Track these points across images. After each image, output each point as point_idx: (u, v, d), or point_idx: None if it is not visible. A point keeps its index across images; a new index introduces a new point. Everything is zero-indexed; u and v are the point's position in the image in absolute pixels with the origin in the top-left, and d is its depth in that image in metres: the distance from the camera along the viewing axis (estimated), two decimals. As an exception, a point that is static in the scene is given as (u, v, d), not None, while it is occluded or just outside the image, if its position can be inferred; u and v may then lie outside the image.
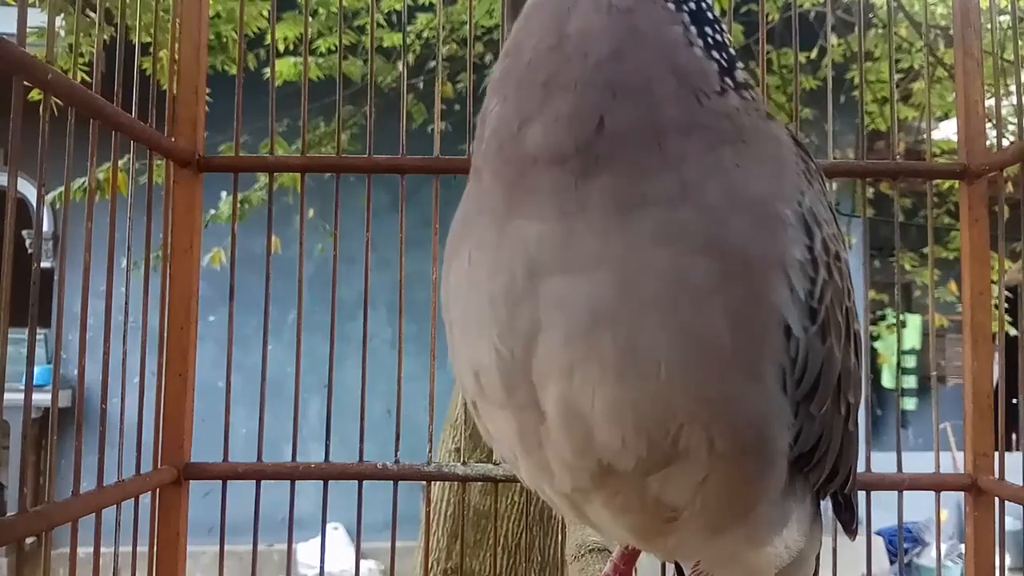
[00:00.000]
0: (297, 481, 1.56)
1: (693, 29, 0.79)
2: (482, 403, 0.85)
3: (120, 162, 1.40)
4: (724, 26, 0.85)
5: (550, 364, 0.76)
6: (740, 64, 0.83)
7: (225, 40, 4.64)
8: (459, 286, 0.84)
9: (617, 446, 0.76)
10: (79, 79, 1.37)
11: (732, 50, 0.83)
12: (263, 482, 1.57)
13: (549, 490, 0.86)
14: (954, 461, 5.15)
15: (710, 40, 0.80)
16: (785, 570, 0.94)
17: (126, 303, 1.38)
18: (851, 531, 1.05)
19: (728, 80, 0.79)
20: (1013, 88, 1.50)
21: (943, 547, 5.54)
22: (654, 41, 0.77)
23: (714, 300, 0.72)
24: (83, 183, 2.49)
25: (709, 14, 0.82)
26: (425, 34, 5.05)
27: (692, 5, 0.81)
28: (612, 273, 0.73)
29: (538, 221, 0.76)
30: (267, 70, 1.87)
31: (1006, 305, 1.89)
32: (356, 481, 1.56)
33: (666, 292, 0.73)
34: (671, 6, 0.79)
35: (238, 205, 1.69)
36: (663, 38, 0.77)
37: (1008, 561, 1.60)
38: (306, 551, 5.74)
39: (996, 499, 1.51)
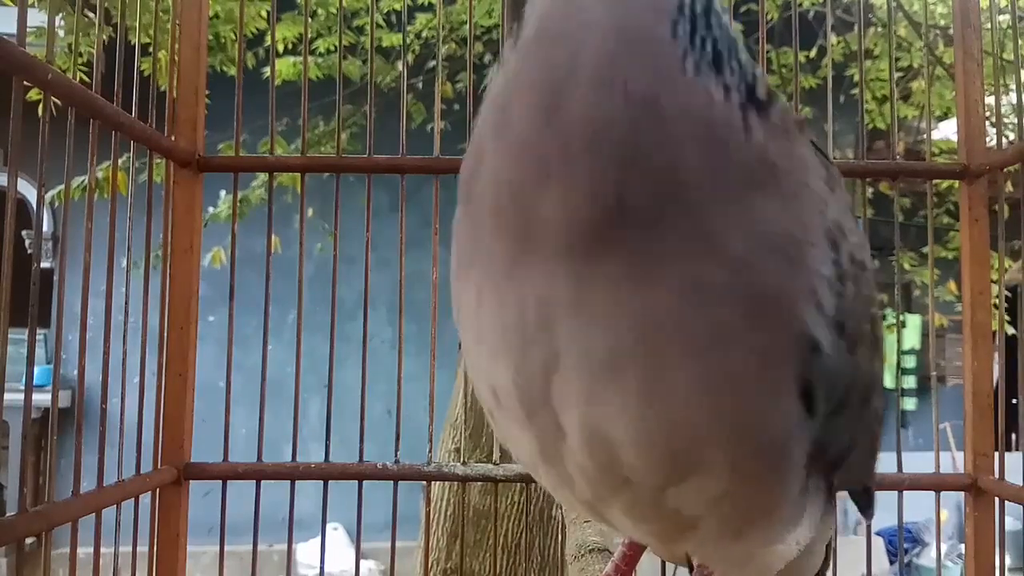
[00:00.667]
0: (297, 481, 1.56)
1: (711, 66, 0.72)
2: (500, 415, 0.85)
3: (120, 161, 1.40)
4: (738, 38, 0.78)
5: (570, 392, 0.76)
6: (758, 73, 0.77)
7: (224, 40, 4.64)
8: (469, 314, 0.83)
9: (642, 466, 0.77)
10: (79, 79, 1.37)
11: (749, 63, 0.77)
12: (263, 482, 1.57)
13: (570, 497, 0.87)
14: (954, 461, 5.15)
15: (732, 68, 0.73)
16: (795, 561, 0.94)
17: (126, 303, 1.38)
18: (868, 514, 1.05)
19: (752, 111, 0.74)
20: (1013, 87, 1.50)
21: (943, 547, 5.54)
22: (668, 99, 0.70)
23: (742, 335, 0.72)
24: (83, 182, 2.49)
25: (724, 32, 0.75)
26: (425, 34, 5.05)
27: (707, 28, 0.74)
28: (633, 318, 0.72)
29: (549, 282, 0.74)
30: (266, 70, 1.88)
31: (1006, 305, 1.89)
32: (356, 481, 1.56)
33: (691, 331, 0.72)
34: (685, 44, 0.71)
35: (238, 205, 1.69)
36: (681, 93, 0.70)
37: (1008, 561, 1.60)
38: (306, 551, 5.74)
39: (996, 499, 1.51)
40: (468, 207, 0.80)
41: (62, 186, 1.23)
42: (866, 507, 1.04)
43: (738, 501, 0.79)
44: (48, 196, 3.96)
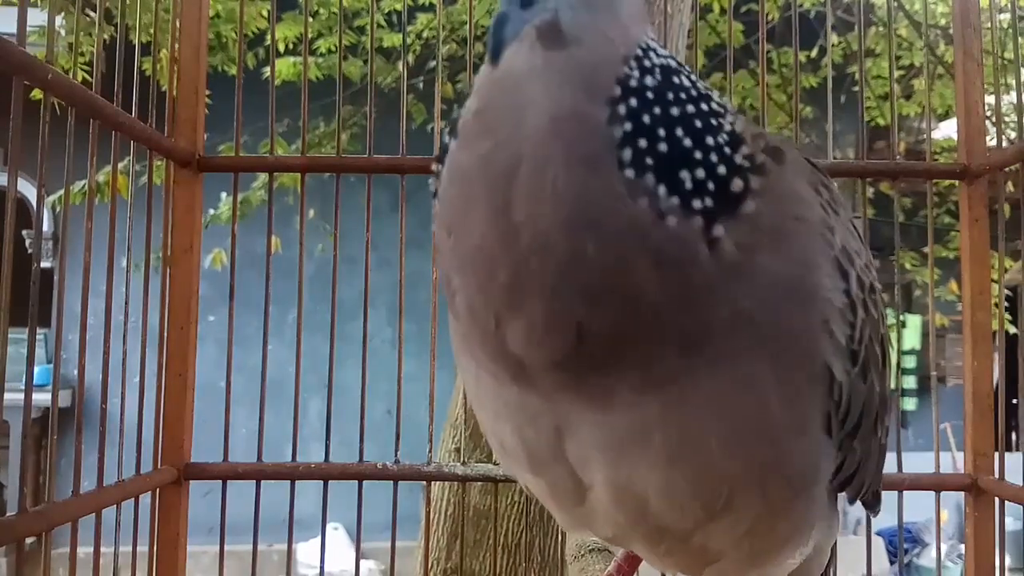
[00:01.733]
0: (297, 481, 1.56)
1: (657, 179, 0.65)
2: (507, 460, 0.85)
3: (120, 164, 1.40)
4: (694, 76, 0.72)
5: (589, 456, 0.76)
6: (730, 125, 0.70)
7: (225, 40, 4.64)
8: (470, 380, 0.82)
9: (674, 514, 0.78)
10: (80, 79, 1.37)
11: (715, 107, 0.71)
12: (263, 482, 1.57)
13: (588, 532, 0.89)
14: (954, 461, 5.14)
15: (695, 156, 0.67)
16: (806, 563, 0.95)
17: (126, 303, 1.38)
18: (875, 511, 1.06)
19: (720, 213, 0.67)
20: (1013, 87, 1.50)
21: (943, 547, 5.54)
22: (618, 233, 0.64)
23: (762, 384, 0.72)
24: (83, 186, 2.49)
25: (689, 103, 0.69)
26: (425, 34, 5.05)
27: (661, 108, 0.67)
28: (656, 410, 0.71)
29: (544, 398, 0.73)
30: (266, 70, 1.88)
31: (1006, 305, 1.89)
32: (356, 481, 1.56)
33: (713, 397, 0.71)
34: (623, 131, 0.65)
35: (238, 206, 1.69)
36: (625, 221, 0.65)
37: (1008, 561, 1.60)
38: (306, 551, 5.74)
39: (996, 499, 1.51)
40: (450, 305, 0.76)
41: (62, 191, 1.23)
42: (873, 506, 1.05)
43: (766, 533, 0.81)
44: (49, 200, 3.96)
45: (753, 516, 0.79)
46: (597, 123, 0.66)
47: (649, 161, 0.65)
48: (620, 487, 0.77)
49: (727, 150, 0.69)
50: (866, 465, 0.88)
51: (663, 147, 0.66)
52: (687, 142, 0.67)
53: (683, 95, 0.69)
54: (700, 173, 0.66)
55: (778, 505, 0.79)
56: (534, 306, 0.66)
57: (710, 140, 0.68)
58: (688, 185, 0.66)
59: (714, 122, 0.69)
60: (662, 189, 0.65)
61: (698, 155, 0.67)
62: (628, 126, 0.66)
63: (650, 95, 0.67)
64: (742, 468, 0.75)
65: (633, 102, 0.67)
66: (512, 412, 0.78)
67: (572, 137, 0.65)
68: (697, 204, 0.66)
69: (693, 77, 0.72)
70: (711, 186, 0.67)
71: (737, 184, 0.68)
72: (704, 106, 0.69)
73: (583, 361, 0.68)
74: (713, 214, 0.66)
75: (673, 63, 0.71)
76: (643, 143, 0.65)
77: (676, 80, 0.70)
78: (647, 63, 0.69)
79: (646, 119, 0.66)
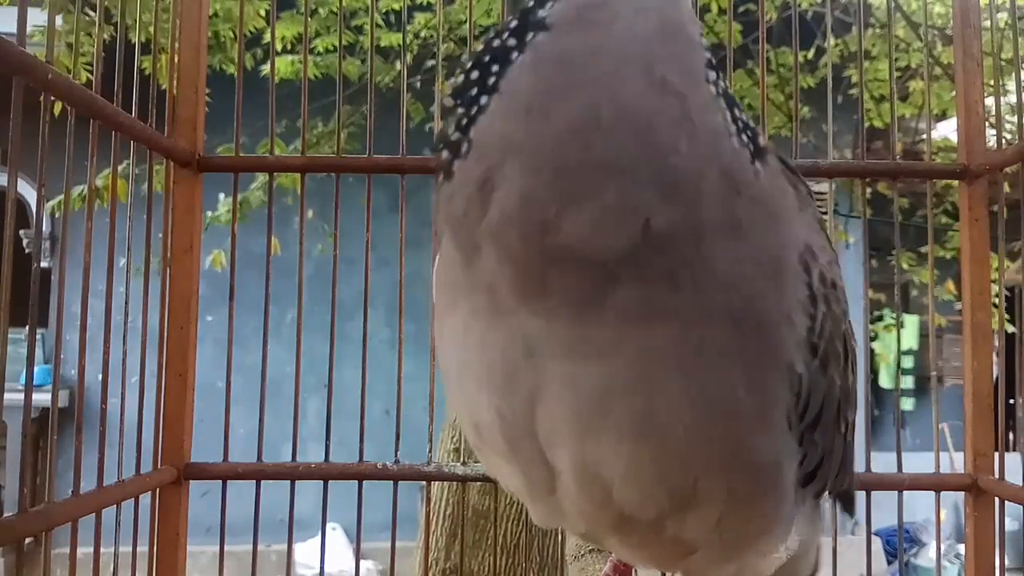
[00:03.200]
0: (297, 481, 1.56)
1: (729, 114, 0.74)
2: (484, 451, 0.86)
3: (120, 167, 1.40)
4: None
5: (557, 428, 0.77)
6: (754, 126, 0.79)
7: (224, 39, 4.63)
8: (453, 346, 0.83)
9: (638, 500, 0.78)
10: (82, 79, 1.37)
11: (749, 120, 0.79)
12: (263, 482, 1.57)
13: (564, 527, 0.91)
14: (952, 461, 5.16)
15: (740, 122, 0.75)
16: (787, 566, 0.95)
17: (126, 303, 1.38)
18: (850, 512, 1.08)
19: (757, 161, 0.75)
20: (1012, 88, 1.50)
21: (941, 547, 5.55)
22: (704, 133, 0.70)
23: (730, 366, 0.73)
24: (82, 191, 2.49)
25: (730, 92, 0.77)
26: (424, 33, 5.05)
27: (723, 85, 0.75)
28: (628, 357, 0.72)
29: (546, 320, 0.73)
30: (265, 69, 1.87)
31: (1005, 305, 1.90)
32: (356, 481, 1.56)
33: (683, 364, 0.73)
34: (713, 89, 0.73)
35: (238, 205, 1.69)
36: (712, 129, 0.71)
37: (1008, 561, 1.60)
38: (305, 551, 5.73)
39: (996, 499, 1.51)
40: (462, 234, 0.75)
41: (62, 196, 1.23)
42: (849, 508, 1.06)
43: (736, 525, 0.81)
44: (48, 206, 3.96)
45: (721, 507, 0.79)
46: (700, 76, 0.72)
47: (723, 104, 0.73)
48: (585, 469, 0.77)
49: (749, 120, 0.78)
50: (829, 461, 0.88)
51: (734, 109, 0.75)
52: (736, 108, 0.76)
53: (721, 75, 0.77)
54: (745, 130, 0.76)
55: (745, 497, 0.79)
56: (613, 190, 0.67)
57: (739, 112, 0.77)
58: (740, 120, 0.75)
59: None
60: (730, 119, 0.73)
61: (742, 118, 0.76)
62: (715, 86, 0.73)
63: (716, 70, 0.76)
64: (704, 451, 0.75)
65: (715, 71, 0.75)
66: (503, 379, 0.78)
67: (681, 53, 0.71)
68: (748, 145, 0.75)
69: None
70: (749, 136, 0.76)
71: (762, 140, 0.77)
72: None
73: (632, 257, 0.68)
74: (754, 156, 0.75)
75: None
76: (723, 99, 0.74)
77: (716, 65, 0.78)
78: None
79: (723, 85, 0.75)
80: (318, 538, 1.63)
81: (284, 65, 4.59)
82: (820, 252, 0.82)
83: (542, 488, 0.82)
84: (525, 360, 0.75)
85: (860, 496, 1.38)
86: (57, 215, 4.52)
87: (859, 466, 1.24)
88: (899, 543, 1.76)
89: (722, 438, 0.75)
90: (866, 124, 5.39)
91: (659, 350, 0.72)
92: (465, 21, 1.68)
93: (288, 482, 1.56)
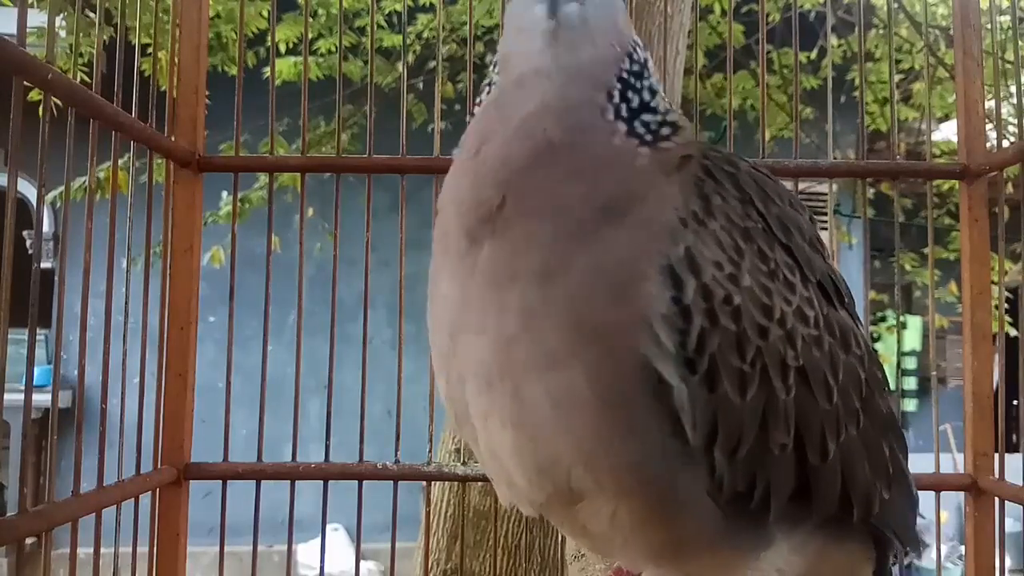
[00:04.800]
0: (297, 482, 1.56)
1: (615, 108, 0.85)
2: (462, 434, 0.94)
3: (120, 162, 1.40)
4: (654, 79, 0.91)
5: (473, 411, 0.86)
6: (666, 114, 0.88)
7: (225, 40, 4.64)
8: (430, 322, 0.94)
9: (525, 483, 0.85)
10: (80, 79, 1.37)
11: (661, 103, 0.89)
12: (263, 483, 1.57)
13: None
14: (954, 462, 5.14)
15: (636, 105, 0.86)
16: None
17: (126, 303, 1.38)
18: (915, 551, 1.04)
19: (645, 143, 0.85)
20: (1013, 89, 1.50)
21: (943, 549, 5.54)
22: (575, 135, 0.82)
23: (572, 363, 0.78)
24: (83, 183, 2.49)
25: (641, 74, 0.88)
26: (425, 34, 5.05)
27: (627, 67, 0.87)
28: (491, 339, 0.82)
29: (449, 283, 0.87)
30: (266, 69, 1.88)
31: (1006, 306, 1.89)
32: (356, 481, 1.56)
33: (533, 357, 0.79)
34: (613, 103, 0.85)
35: (238, 205, 1.69)
36: (585, 125, 0.83)
37: (1008, 562, 1.60)
38: (306, 552, 5.73)
39: (996, 499, 1.51)
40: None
41: (63, 188, 1.23)
42: (906, 547, 1.02)
43: (633, 524, 0.83)
44: (49, 197, 3.96)
45: (605, 501, 0.82)
46: (594, 104, 0.85)
47: (624, 113, 0.85)
48: (490, 450, 0.86)
49: (657, 126, 0.88)
50: (766, 484, 0.84)
51: (635, 104, 0.86)
52: (647, 98, 0.88)
53: (645, 83, 0.89)
54: (647, 118, 0.86)
55: (618, 494, 0.81)
56: (485, 183, 0.83)
57: (648, 117, 0.87)
58: (636, 124, 0.85)
59: (658, 107, 0.89)
60: (620, 125, 0.84)
61: (646, 97, 0.88)
62: (616, 99, 0.86)
63: (632, 80, 0.87)
64: (566, 445, 0.80)
65: (620, 87, 0.86)
66: (443, 361, 0.89)
67: (571, 108, 0.84)
68: (641, 130, 0.85)
69: (655, 79, 0.92)
70: (652, 128, 0.86)
71: (666, 130, 0.87)
72: (655, 94, 0.90)
73: (488, 227, 0.82)
74: (645, 144, 0.85)
75: (647, 59, 0.91)
76: (623, 109, 0.86)
77: (645, 74, 0.90)
78: (636, 57, 0.89)
79: (629, 94, 0.86)
80: (319, 538, 1.63)
81: (286, 66, 4.60)
82: (711, 266, 0.81)
83: (484, 463, 0.91)
84: (449, 340, 0.88)
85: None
86: (58, 204, 4.52)
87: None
88: (899, 544, 1.75)
89: (579, 433, 0.79)
90: (869, 126, 5.40)
91: (511, 329, 0.81)
92: (467, 22, 1.68)
93: (288, 482, 1.56)
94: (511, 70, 0.88)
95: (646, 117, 0.86)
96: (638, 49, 0.90)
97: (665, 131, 0.87)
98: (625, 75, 0.87)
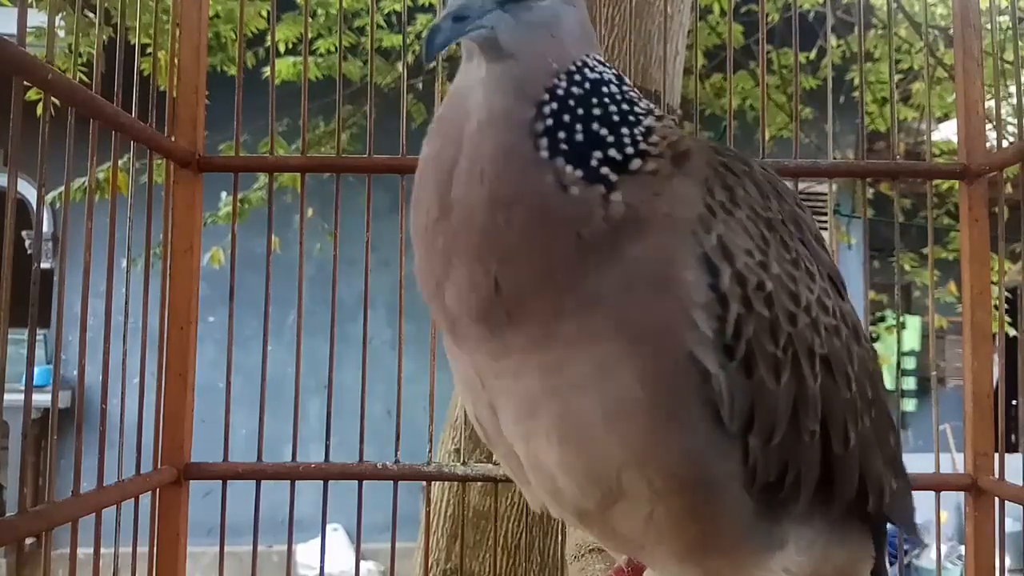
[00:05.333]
0: (297, 482, 1.56)
1: (567, 160, 0.79)
2: (483, 439, 0.96)
3: (120, 162, 1.40)
4: (627, 87, 0.86)
5: (511, 431, 0.87)
6: (647, 123, 0.83)
7: (224, 40, 4.64)
8: (454, 370, 0.94)
9: (577, 491, 0.85)
10: (79, 79, 1.37)
11: (637, 111, 0.84)
12: (263, 483, 1.57)
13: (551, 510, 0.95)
14: (954, 463, 5.14)
15: (605, 141, 0.81)
16: None
17: (126, 303, 1.38)
18: (909, 532, 1.06)
19: (613, 181, 0.80)
20: (1013, 89, 1.50)
21: (943, 548, 5.54)
22: (527, 202, 0.78)
23: (622, 370, 0.79)
24: (83, 183, 2.49)
25: (607, 103, 0.83)
26: (424, 34, 5.05)
27: (583, 107, 0.81)
28: (532, 380, 0.82)
29: (472, 355, 0.86)
30: (266, 70, 1.88)
31: (1006, 306, 1.89)
32: (356, 481, 1.56)
33: (581, 375, 0.80)
34: (545, 153, 0.79)
35: (238, 205, 1.69)
36: (534, 193, 0.79)
37: (1008, 562, 1.60)
38: (306, 552, 5.73)
39: (996, 499, 1.51)
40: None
41: (62, 188, 1.23)
42: (906, 531, 1.05)
43: (670, 521, 0.84)
44: (49, 197, 3.96)
45: (648, 501, 0.82)
46: (523, 120, 0.80)
47: (563, 147, 0.80)
48: (534, 464, 0.87)
49: (638, 138, 0.83)
50: (797, 473, 0.85)
51: (578, 136, 0.80)
52: (603, 131, 0.81)
53: (606, 99, 0.83)
54: (612, 152, 0.81)
55: (665, 490, 0.81)
56: (461, 267, 0.80)
57: (624, 131, 0.82)
58: (594, 163, 0.80)
59: (631, 118, 0.84)
60: (569, 168, 0.79)
61: (611, 140, 0.81)
62: (549, 121, 0.80)
63: (572, 101, 0.82)
64: (620, 448, 0.80)
65: (555, 105, 0.81)
66: (468, 388, 0.91)
67: (500, 130, 0.80)
68: (604, 171, 0.80)
69: (624, 88, 0.86)
70: (619, 159, 0.81)
71: (636, 163, 0.81)
72: (625, 107, 0.84)
73: (499, 311, 0.80)
74: (613, 185, 0.80)
75: (608, 77, 0.86)
76: (561, 134, 0.80)
77: (604, 88, 0.84)
78: (577, 77, 0.84)
79: (565, 117, 0.81)
80: (319, 539, 1.63)
81: (285, 66, 4.59)
82: (743, 254, 0.82)
83: (521, 478, 0.92)
84: (479, 380, 0.88)
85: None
86: (58, 205, 4.52)
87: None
88: (899, 544, 1.76)
89: (632, 435, 0.80)
90: (869, 126, 5.39)
91: (557, 368, 0.80)
92: (466, 22, 1.66)
93: (288, 482, 1.56)
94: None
95: (610, 152, 0.81)
96: (587, 68, 0.85)
97: (654, 139, 0.83)
98: (564, 101, 0.82)
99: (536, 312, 0.79)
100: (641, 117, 0.84)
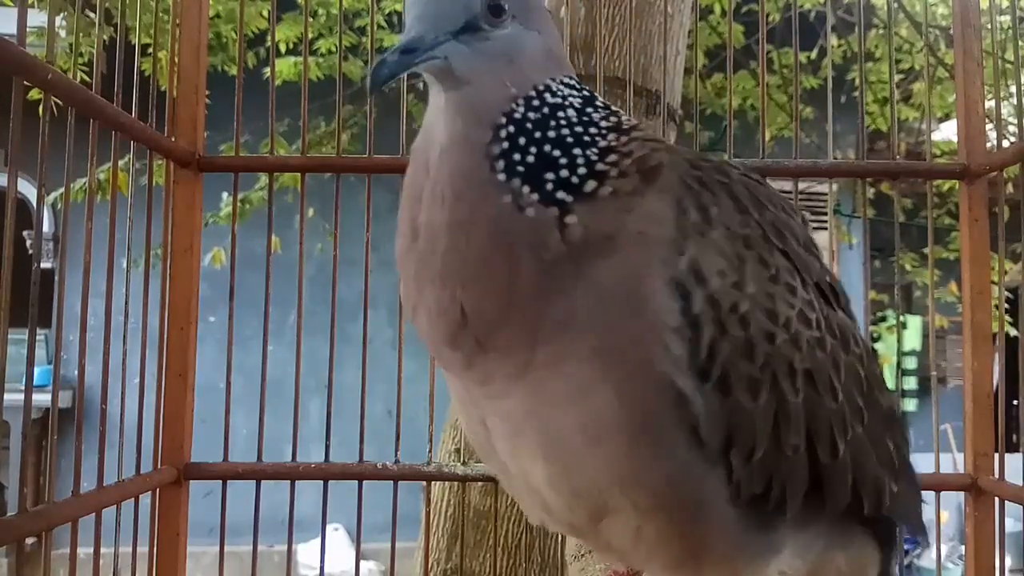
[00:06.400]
0: (297, 482, 1.56)
1: (523, 182, 0.80)
2: (480, 454, 0.99)
3: (120, 162, 1.40)
4: (593, 108, 0.86)
5: (501, 447, 0.89)
6: (604, 143, 0.83)
7: (225, 40, 4.64)
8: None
9: (564, 508, 0.87)
10: (80, 79, 1.37)
11: (593, 132, 0.84)
12: (263, 483, 1.57)
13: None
14: (954, 462, 5.14)
15: (560, 162, 0.81)
16: None
17: (126, 303, 1.38)
18: (919, 537, 1.06)
19: (573, 190, 0.80)
20: (1013, 89, 1.50)
21: (943, 549, 5.54)
22: (485, 224, 0.79)
23: (599, 390, 0.79)
24: (83, 184, 2.50)
25: (564, 124, 0.83)
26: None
27: (539, 130, 0.82)
28: (515, 401, 0.84)
29: (459, 377, 0.88)
30: (267, 70, 1.88)
31: (1006, 306, 1.89)
32: (356, 481, 1.56)
33: (560, 393, 0.81)
34: (502, 176, 0.80)
35: (238, 205, 1.69)
36: (491, 214, 0.79)
37: (1008, 562, 1.60)
38: (306, 552, 5.73)
39: (996, 499, 1.51)
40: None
41: (63, 189, 1.23)
42: (913, 532, 1.05)
43: (657, 535, 0.85)
44: (49, 197, 3.96)
45: (633, 517, 0.83)
46: (480, 143, 0.81)
47: (519, 169, 0.80)
48: (525, 481, 0.88)
49: (592, 158, 0.82)
50: (781, 486, 0.85)
51: (531, 158, 0.81)
52: (556, 153, 0.82)
53: (563, 122, 0.84)
54: (564, 173, 0.81)
55: (649, 506, 0.82)
56: (429, 293, 0.82)
57: (577, 151, 0.82)
58: (549, 186, 0.80)
59: (587, 139, 0.84)
60: (526, 188, 0.80)
61: (564, 161, 0.81)
62: (505, 144, 0.81)
63: (529, 124, 0.83)
64: (601, 469, 0.82)
65: (512, 128, 0.82)
66: (462, 404, 0.93)
67: (459, 154, 0.82)
68: (560, 195, 0.80)
69: (588, 109, 0.86)
70: (573, 181, 0.81)
71: (591, 185, 0.81)
72: (579, 129, 0.84)
73: (469, 339, 0.81)
74: (569, 207, 0.80)
75: (570, 100, 0.86)
76: (516, 156, 0.81)
77: (561, 113, 0.85)
78: (536, 102, 0.84)
79: (521, 140, 0.82)
80: (320, 538, 1.63)
81: (286, 66, 4.60)
82: (715, 276, 0.81)
83: (516, 491, 0.94)
84: (470, 399, 0.90)
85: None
86: (59, 206, 4.52)
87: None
88: (899, 544, 1.75)
89: (612, 455, 0.81)
90: (869, 126, 5.39)
91: (537, 390, 0.82)
92: (466, 22, 1.66)
93: (288, 482, 1.56)
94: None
95: (562, 173, 0.81)
96: (548, 93, 0.85)
97: (612, 158, 0.82)
98: (520, 125, 0.82)
99: (507, 339, 0.80)
100: (598, 138, 0.84)
